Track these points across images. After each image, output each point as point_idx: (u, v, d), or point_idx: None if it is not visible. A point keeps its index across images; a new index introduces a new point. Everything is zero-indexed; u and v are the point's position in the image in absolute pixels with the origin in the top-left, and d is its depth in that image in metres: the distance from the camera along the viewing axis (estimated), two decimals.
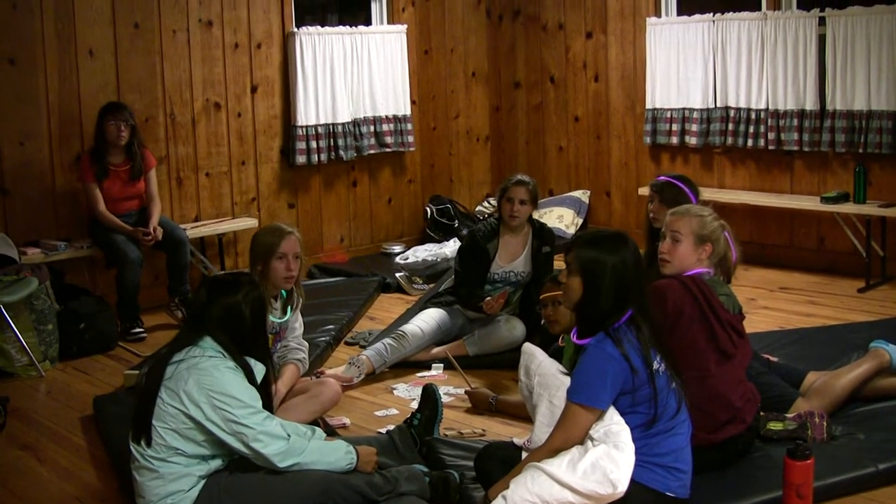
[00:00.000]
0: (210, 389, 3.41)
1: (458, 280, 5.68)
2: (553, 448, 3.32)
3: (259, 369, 3.61)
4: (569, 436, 3.31)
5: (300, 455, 3.47)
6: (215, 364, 3.48)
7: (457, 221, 8.43)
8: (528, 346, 3.77)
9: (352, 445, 3.65)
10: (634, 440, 3.28)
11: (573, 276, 3.39)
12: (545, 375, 3.55)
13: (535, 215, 5.74)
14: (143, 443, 3.46)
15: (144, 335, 6.29)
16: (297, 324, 4.78)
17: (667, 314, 3.75)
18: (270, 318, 4.44)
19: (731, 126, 7.57)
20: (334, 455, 3.56)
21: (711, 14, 7.59)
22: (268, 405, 3.63)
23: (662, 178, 5.17)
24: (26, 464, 4.45)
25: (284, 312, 4.64)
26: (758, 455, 3.91)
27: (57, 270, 6.28)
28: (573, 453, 3.28)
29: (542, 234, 5.67)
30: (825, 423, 4.06)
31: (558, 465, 3.23)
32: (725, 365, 3.82)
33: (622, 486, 3.20)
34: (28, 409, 5.14)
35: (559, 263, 4.89)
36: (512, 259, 5.62)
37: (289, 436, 3.47)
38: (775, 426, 4.07)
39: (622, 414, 3.31)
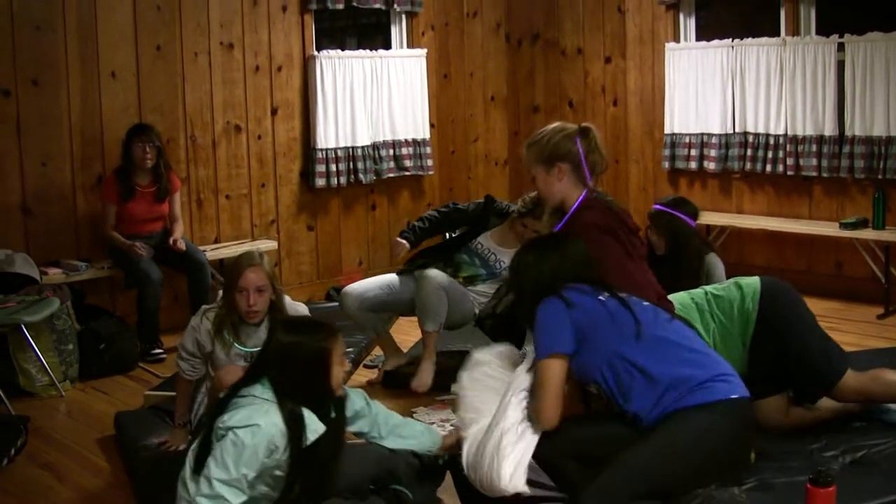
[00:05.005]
0: (229, 428, 3.31)
1: (440, 215, 5.81)
2: (542, 409, 3.45)
3: (314, 428, 3.38)
4: (549, 391, 3.43)
5: None
6: (255, 410, 3.33)
7: None
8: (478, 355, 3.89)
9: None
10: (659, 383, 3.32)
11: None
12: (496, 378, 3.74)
13: None
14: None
15: (164, 356, 6.30)
16: None
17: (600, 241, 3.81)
18: (237, 346, 4.24)
19: (749, 151, 7.56)
20: None
21: (730, 39, 7.60)
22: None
23: (656, 206, 5.28)
24: (46, 482, 4.46)
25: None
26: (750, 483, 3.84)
27: (77, 291, 6.33)
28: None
29: None
30: None
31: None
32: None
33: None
34: (48, 428, 5.17)
35: None
36: (501, 245, 5.61)
37: None
38: None
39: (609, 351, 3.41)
